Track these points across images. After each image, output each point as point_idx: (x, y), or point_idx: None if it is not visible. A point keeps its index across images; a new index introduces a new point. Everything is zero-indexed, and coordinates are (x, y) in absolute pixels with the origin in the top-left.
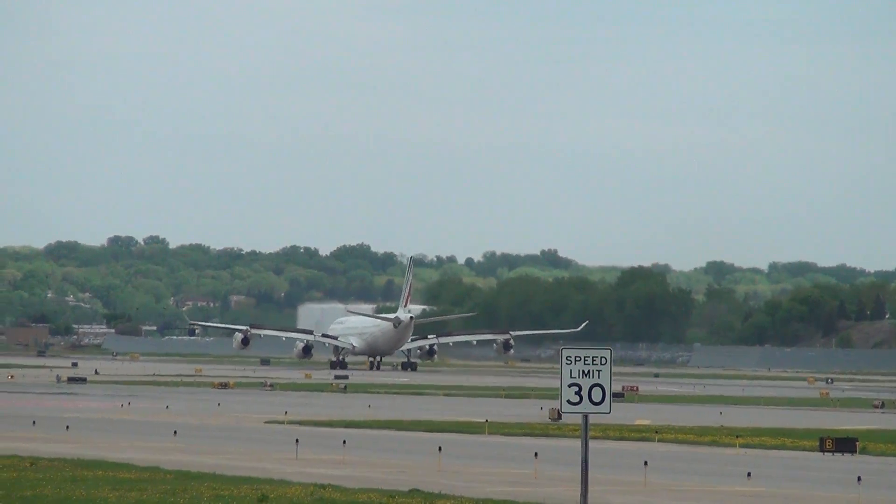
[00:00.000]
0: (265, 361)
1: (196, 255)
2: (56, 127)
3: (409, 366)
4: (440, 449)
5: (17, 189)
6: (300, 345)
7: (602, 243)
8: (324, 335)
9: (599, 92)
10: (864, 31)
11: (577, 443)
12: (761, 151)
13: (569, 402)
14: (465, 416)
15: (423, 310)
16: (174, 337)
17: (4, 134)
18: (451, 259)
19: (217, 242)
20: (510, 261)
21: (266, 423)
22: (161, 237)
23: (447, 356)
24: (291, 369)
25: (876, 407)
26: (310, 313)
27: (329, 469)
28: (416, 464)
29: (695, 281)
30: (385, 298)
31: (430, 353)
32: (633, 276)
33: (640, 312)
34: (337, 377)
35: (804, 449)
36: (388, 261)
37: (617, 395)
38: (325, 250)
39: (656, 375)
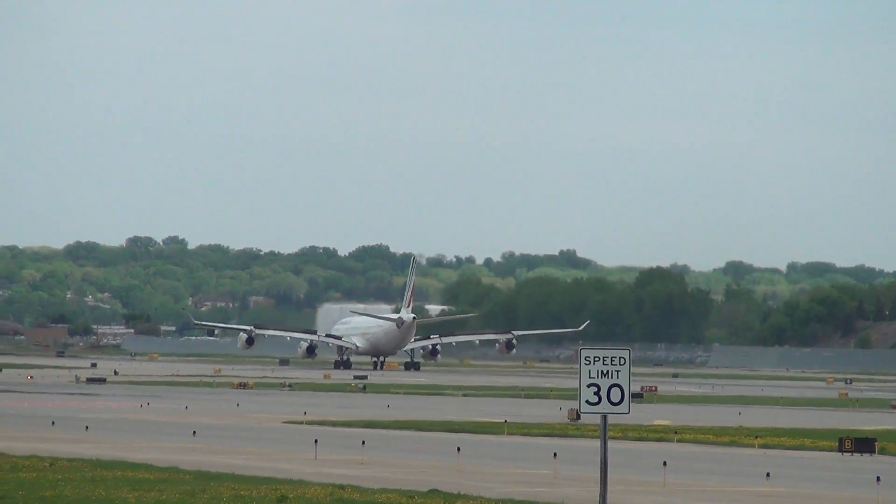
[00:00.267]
0: (284, 362)
1: (215, 256)
2: (75, 128)
3: (412, 365)
4: (459, 449)
5: (36, 190)
6: (304, 345)
7: (621, 244)
8: (328, 335)
9: (618, 92)
10: (884, 28)
11: (596, 443)
12: (780, 151)
13: (588, 402)
14: (484, 416)
15: (442, 310)
16: (193, 337)
17: (24, 135)
18: (470, 259)
19: (236, 243)
20: (529, 261)
21: (285, 423)
22: (180, 237)
23: (467, 357)
24: (311, 369)
25: (894, 407)
26: (328, 314)
27: (348, 469)
28: (435, 464)
29: (713, 281)
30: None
31: (433, 352)
32: (652, 277)
33: (658, 313)
34: (356, 377)
35: (823, 449)
36: (406, 261)
37: (636, 396)
38: (343, 251)
39: (675, 376)
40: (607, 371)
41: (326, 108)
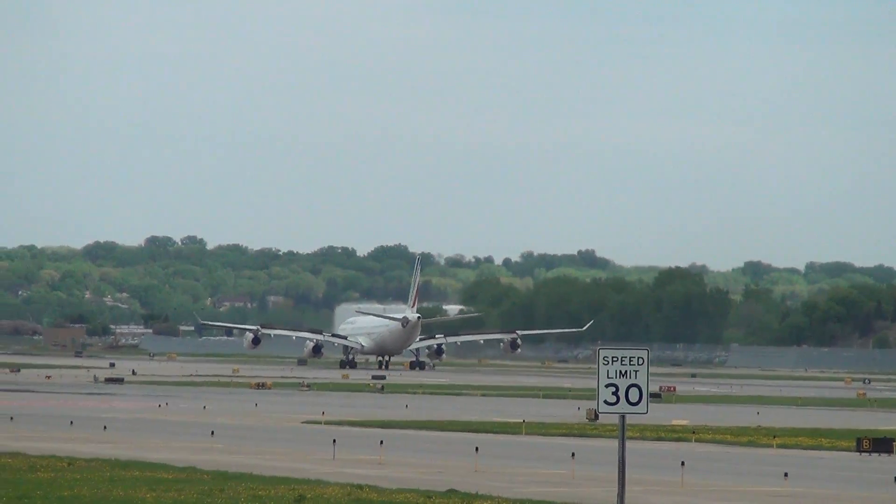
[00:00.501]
0: (302, 361)
1: (233, 256)
2: (95, 129)
3: (417, 365)
4: (477, 449)
5: (55, 190)
6: (310, 344)
7: (639, 243)
8: (333, 335)
9: (637, 91)
10: None
11: (615, 443)
12: (800, 151)
13: (606, 402)
14: (503, 416)
15: (461, 309)
16: (212, 337)
17: (43, 135)
18: (489, 259)
19: (254, 243)
20: (547, 261)
21: (303, 423)
22: (199, 237)
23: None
24: (330, 370)
25: None
26: (346, 314)
27: (366, 469)
28: (453, 464)
29: (732, 281)
30: (423, 299)
31: (438, 352)
32: (671, 277)
33: (677, 313)
34: (374, 377)
35: (841, 449)
36: (425, 261)
37: (654, 396)
38: (362, 250)
39: (693, 376)
40: (626, 371)
41: (345, 108)
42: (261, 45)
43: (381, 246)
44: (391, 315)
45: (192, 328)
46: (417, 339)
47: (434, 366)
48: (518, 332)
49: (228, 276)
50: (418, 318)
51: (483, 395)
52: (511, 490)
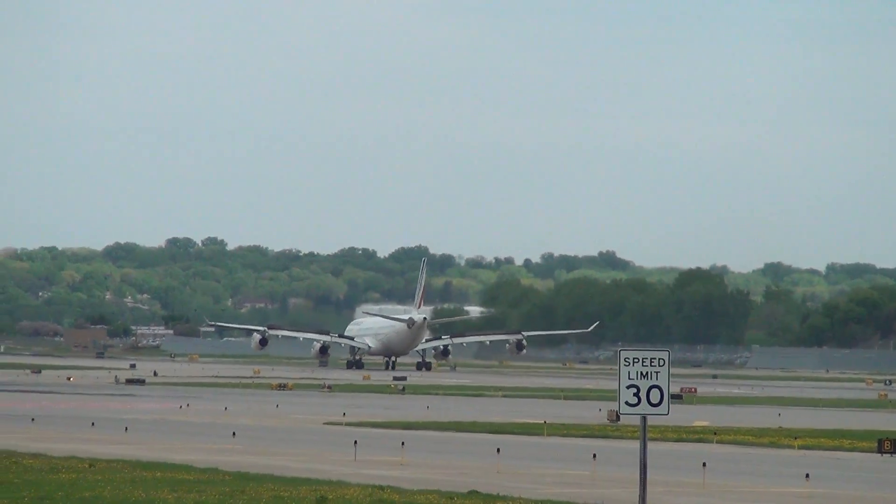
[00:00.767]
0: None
1: (254, 257)
2: (115, 130)
3: (423, 365)
4: (499, 450)
5: (75, 191)
6: (317, 345)
7: (660, 244)
8: (340, 336)
9: (657, 92)
10: None
11: (636, 444)
12: (820, 151)
13: (627, 403)
14: (524, 417)
15: (481, 311)
16: (233, 338)
17: (63, 136)
18: (509, 260)
19: (275, 244)
20: (568, 262)
21: (324, 424)
22: (219, 238)
23: (507, 358)
24: (351, 371)
25: None
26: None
27: (387, 470)
28: (474, 465)
29: (753, 282)
30: (443, 300)
31: (445, 353)
32: (691, 278)
33: (698, 314)
34: (395, 378)
35: (862, 450)
36: (446, 262)
37: (675, 397)
38: (383, 252)
39: (714, 377)
40: (647, 372)
41: (367, 109)
42: (282, 46)
43: (402, 247)
44: (397, 316)
45: (214, 330)
46: (424, 340)
47: (455, 367)
48: (524, 333)
49: (249, 277)
50: (424, 319)
51: (504, 396)
52: (533, 491)
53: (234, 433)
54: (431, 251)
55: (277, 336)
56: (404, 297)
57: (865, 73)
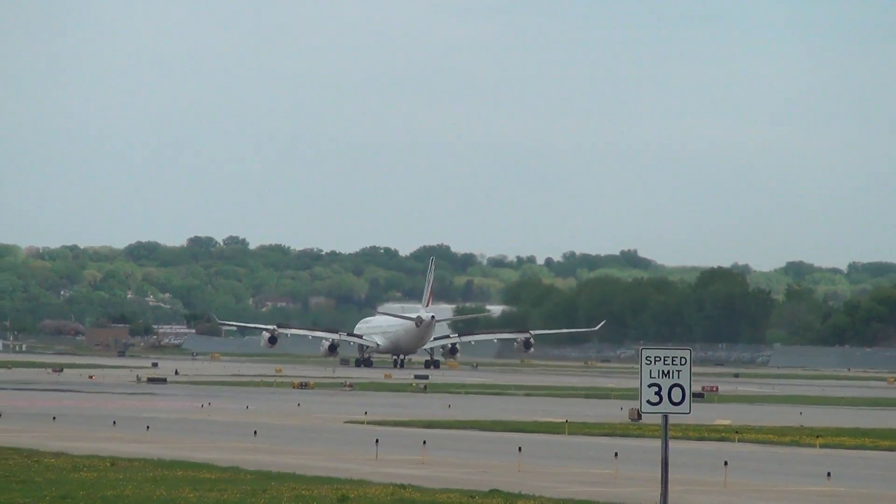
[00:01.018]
0: (345, 361)
1: (276, 256)
2: (137, 129)
3: (431, 364)
4: (520, 449)
5: (97, 190)
6: (326, 343)
7: (682, 243)
8: (349, 334)
9: (678, 91)
10: None
11: (657, 443)
12: (842, 149)
13: (649, 402)
14: (546, 416)
15: (503, 310)
16: (255, 337)
17: (85, 135)
18: (531, 259)
19: (297, 243)
20: (590, 261)
21: (346, 423)
22: (241, 237)
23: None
24: (372, 370)
25: None
26: (413, 314)
27: (409, 469)
28: (496, 464)
29: (774, 281)
30: (465, 299)
31: (453, 351)
32: (713, 277)
33: (719, 313)
34: (417, 377)
35: (884, 449)
36: (467, 261)
37: (697, 396)
38: (404, 251)
39: (736, 375)
40: (668, 371)
41: (387, 108)
42: (305, 47)
43: (424, 246)
44: (405, 315)
45: (235, 328)
46: (432, 339)
47: (476, 365)
48: (531, 331)
49: (271, 276)
50: (432, 317)
51: (526, 394)
52: (554, 490)
53: (255, 432)
54: (453, 250)
55: (287, 334)
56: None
57: (888, 72)
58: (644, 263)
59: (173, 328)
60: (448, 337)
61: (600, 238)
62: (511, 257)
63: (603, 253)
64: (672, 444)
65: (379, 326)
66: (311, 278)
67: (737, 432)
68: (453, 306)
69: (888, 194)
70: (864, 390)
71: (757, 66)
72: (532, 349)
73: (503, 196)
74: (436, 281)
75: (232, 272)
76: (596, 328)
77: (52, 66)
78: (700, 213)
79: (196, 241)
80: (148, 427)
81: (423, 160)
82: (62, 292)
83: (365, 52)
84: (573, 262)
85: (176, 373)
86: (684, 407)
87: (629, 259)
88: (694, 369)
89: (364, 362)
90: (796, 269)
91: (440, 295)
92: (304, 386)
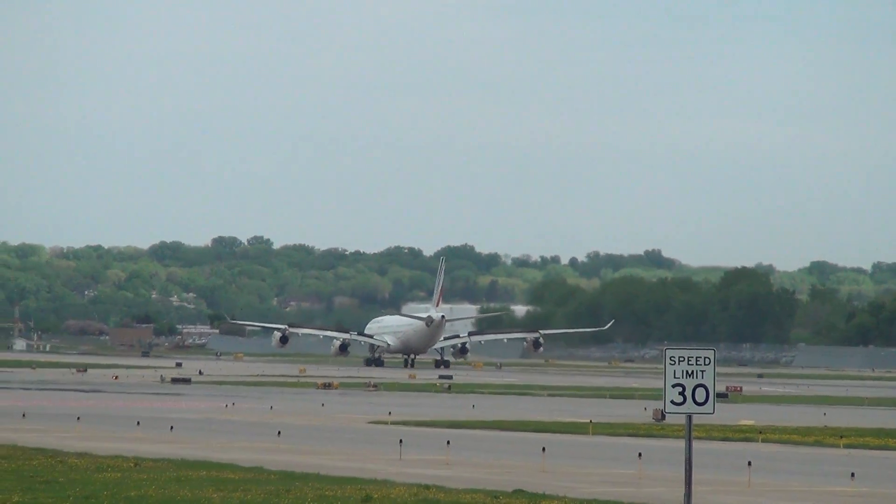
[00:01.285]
0: (368, 361)
1: (300, 256)
2: (160, 128)
3: (441, 363)
4: (544, 449)
5: (121, 190)
6: (337, 343)
7: (706, 244)
8: (360, 333)
9: (703, 92)
10: None
11: (681, 443)
12: (866, 150)
13: (672, 402)
14: (569, 416)
15: (527, 310)
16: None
17: (109, 135)
18: (555, 259)
19: (321, 243)
20: (614, 261)
21: (370, 423)
22: (265, 237)
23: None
24: (396, 370)
25: None
26: (424, 314)
27: (433, 469)
28: (520, 464)
29: (798, 281)
30: (489, 299)
31: (463, 350)
32: (737, 277)
33: (743, 313)
34: (441, 377)
35: None
36: (491, 261)
37: (721, 396)
38: (428, 251)
39: (760, 376)
40: (692, 371)
41: (413, 108)
42: (330, 46)
43: (448, 246)
44: (416, 315)
45: (259, 328)
46: (442, 339)
47: (500, 366)
48: (540, 331)
49: (295, 276)
50: (442, 317)
51: (550, 395)
52: (578, 490)
53: (279, 432)
54: (477, 250)
55: (298, 334)
56: (450, 297)
57: None
58: (668, 263)
59: (197, 328)
60: (458, 337)
61: (624, 238)
62: (535, 257)
63: (627, 253)
64: (696, 444)
65: (389, 326)
66: (335, 278)
67: (760, 432)
68: (477, 306)
69: None
70: (888, 390)
71: (782, 65)
72: (541, 349)
73: (528, 196)
74: (460, 281)
75: (256, 272)
76: (605, 327)
77: (80, 66)
78: (724, 213)
79: (220, 241)
80: (172, 427)
81: (447, 160)
82: (86, 292)
83: (391, 52)
84: (597, 263)
85: (200, 373)
86: (708, 407)
87: (653, 259)
88: (718, 369)
89: (375, 362)
90: (820, 269)
91: (464, 295)
92: (327, 386)
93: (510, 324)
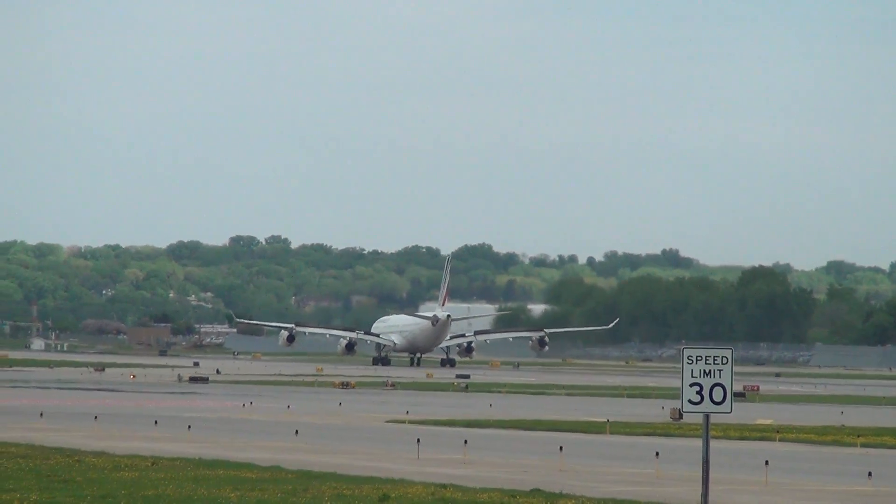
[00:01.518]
0: (375, 360)
1: (318, 255)
2: (178, 128)
3: (447, 362)
4: (561, 448)
5: (139, 189)
6: (343, 342)
7: (723, 243)
8: (366, 332)
9: (721, 91)
10: None
11: (699, 442)
12: (883, 149)
13: (690, 401)
14: (587, 415)
15: (545, 309)
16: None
17: (127, 135)
18: (573, 259)
19: (339, 242)
20: (632, 261)
21: (387, 422)
22: (283, 237)
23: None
24: (413, 369)
25: None
26: (430, 313)
27: (450, 469)
28: (537, 463)
29: (816, 280)
30: (507, 298)
31: (468, 349)
32: (755, 276)
33: (761, 312)
34: (458, 376)
35: None
36: (509, 261)
37: (738, 395)
38: (446, 250)
39: (777, 375)
40: (710, 370)
41: (429, 108)
42: (347, 47)
43: (466, 245)
44: (422, 314)
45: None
46: (448, 338)
47: (518, 365)
48: (545, 330)
49: (312, 275)
50: (448, 316)
51: (567, 394)
52: (595, 489)
53: (296, 431)
54: (495, 249)
55: (304, 333)
56: (468, 296)
57: None
58: (686, 263)
59: (215, 328)
60: (464, 336)
61: (642, 237)
62: (553, 257)
63: (645, 252)
64: (713, 443)
65: (395, 325)
66: (353, 277)
67: (778, 432)
68: (495, 305)
69: None
70: None
71: (797, 66)
72: (546, 347)
73: (545, 195)
74: (478, 280)
75: (274, 271)
76: (610, 325)
77: (95, 66)
78: (742, 213)
79: (238, 241)
80: (189, 426)
81: (465, 159)
82: (104, 291)
83: (408, 52)
84: (615, 262)
85: (217, 372)
86: (725, 406)
87: (671, 258)
88: (735, 369)
89: (381, 360)
90: (838, 268)
91: (482, 294)
92: (345, 385)
93: (527, 323)
